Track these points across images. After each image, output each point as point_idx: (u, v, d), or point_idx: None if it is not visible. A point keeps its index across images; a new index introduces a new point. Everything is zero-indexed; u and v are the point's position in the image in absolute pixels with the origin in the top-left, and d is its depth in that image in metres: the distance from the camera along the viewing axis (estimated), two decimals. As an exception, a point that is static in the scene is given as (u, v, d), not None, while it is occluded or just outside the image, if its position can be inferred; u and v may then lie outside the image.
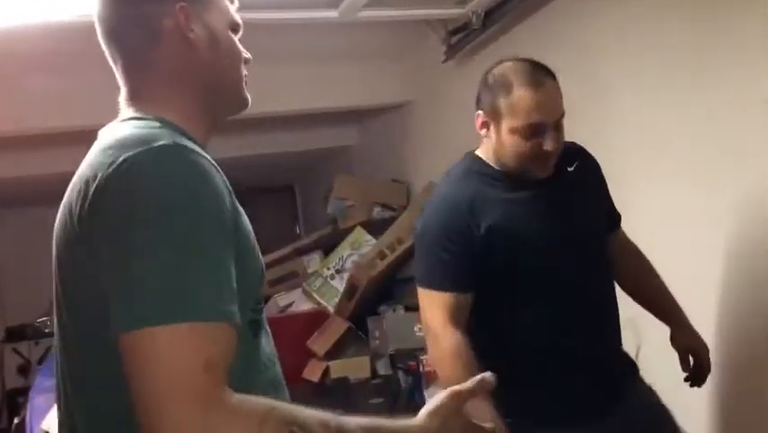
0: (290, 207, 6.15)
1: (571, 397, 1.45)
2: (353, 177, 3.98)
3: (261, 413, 0.73)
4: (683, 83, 1.83)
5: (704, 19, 1.75)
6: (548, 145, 1.40)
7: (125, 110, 0.94)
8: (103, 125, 0.93)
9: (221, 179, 0.82)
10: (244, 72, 1.01)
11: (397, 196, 3.59)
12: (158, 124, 0.87)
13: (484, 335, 1.46)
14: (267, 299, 3.12)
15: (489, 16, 2.49)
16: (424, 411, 0.85)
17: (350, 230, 3.32)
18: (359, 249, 3.23)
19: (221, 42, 0.96)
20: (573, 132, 2.25)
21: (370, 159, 4.25)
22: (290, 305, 3.32)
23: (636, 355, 1.96)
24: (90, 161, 0.84)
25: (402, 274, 2.96)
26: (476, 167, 1.51)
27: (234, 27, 1.00)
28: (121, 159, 0.78)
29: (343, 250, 3.27)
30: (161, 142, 0.80)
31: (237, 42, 1.00)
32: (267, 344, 0.95)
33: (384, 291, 3.05)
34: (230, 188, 0.84)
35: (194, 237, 0.75)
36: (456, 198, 1.46)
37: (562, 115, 1.44)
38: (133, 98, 0.94)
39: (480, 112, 1.47)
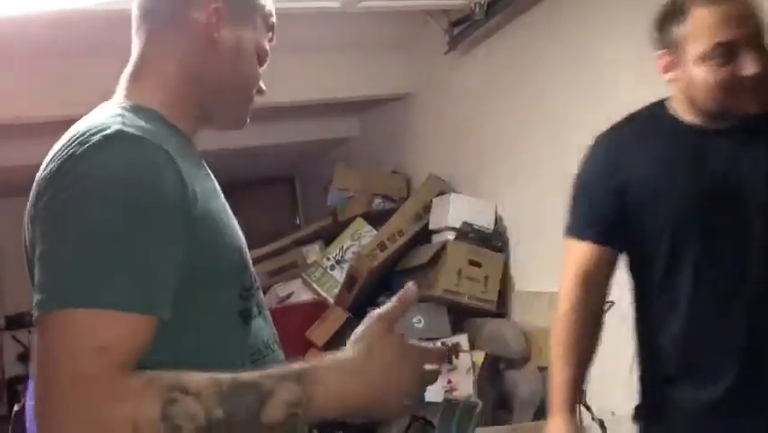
0: (290, 198, 6.14)
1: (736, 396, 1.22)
2: (354, 168, 3.97)
3: (139, 389, 0.71)
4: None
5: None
6: (748, 68, 1.15)
7: (116, 93, 0.94)
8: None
9: (170, 167, 0.80)
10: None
11: (398, 187, 3.58)
12: (119, 112, 0.85)
13: (640, 319, 1.35)
14: (266, 290, 3.12)
15: (491, 7, 2.48)
16: (348, 341, 0.82)
17: (350, 221, 3.32)
18: (359, 240, 3.23)
19: (243, 58, 0.95)
20: (574, 128, 2.25)
21: (370, 150, 4.24)
22: (290, 295, 3.32)
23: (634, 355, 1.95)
24: (49, 154, 0.84)
25: (402, 266, 2.96)
26: (653, 110, 1.33)
27: (261, 55, 0.98)
28: (64, 152, 0.79)
29: (343, 241, 3.27)
30: (104, 132, 0.79)
31: (258, 69, 0.98)
32: (263, 330, 0.94)
33: (384, 282, 3.05)
34: (184, 177, 0.81)
35: (113, 225, 0.74)
36: (606, 141, 1.34)
37: (760, 33, 1.18)
38: (130, 79, 0.94)
39: (660, 52, 1.26)
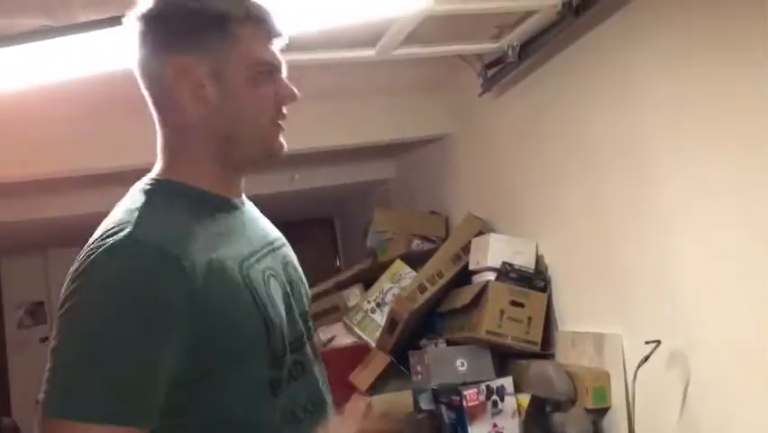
0: (331, 239, 6.20)
1: None
2: (392, 210, 4.00)
3: None
4: (729, 121, 1.77)
5: (753, 55, 1.71)
6: None
7: (155, 166, 1.00)
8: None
9: (164, 270, 0.83)
10: (278, 116, 0.97)
11: (436, 227, 3.59)
12: (138, 205, 0.90)
13: None
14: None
15: (524, 49, 2.50)
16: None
17: (389, 263, 3.33)
18: (399, 282, 3.24)
19: (232, 94, 0.94)
20: (610, 166, 2.24)
21: (407, 190, 4.27)
22: (332, 339, 3.33)
23: (685, 392, 1.91)
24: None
25: (443, 307, 2.95)
26: None
27: (262, 69, 0.95)
28: (80, 260, 0.87)
29: (384, 283, 3.28)
30: (105, 246, 0.85)
31: (262, 88, 0.96)
32: (302, 392, 0.96)
33: (425, 324, 3.04)
34: (187, 270, 0.84)
35: (96, 341, 0.81)
36: None
37: None
38: (160, 155, 1.00)
39: None
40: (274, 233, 1.09)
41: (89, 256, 0.85)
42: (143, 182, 0.97)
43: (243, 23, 0.94)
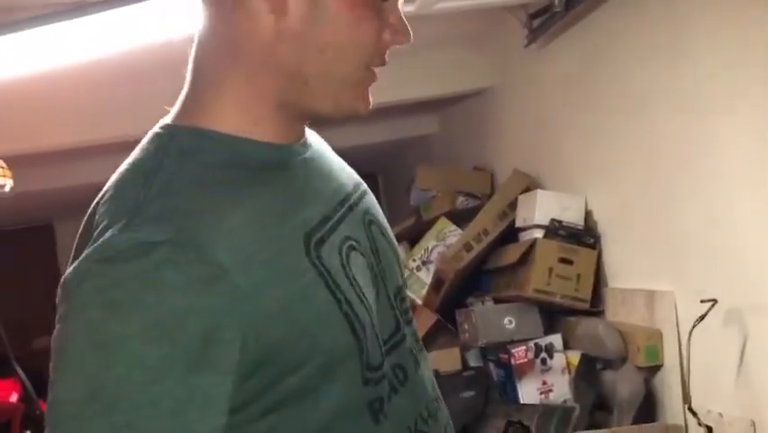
0: (375, 196, 6.21)
1: None
2: (436, 167, 3.95)
3: None
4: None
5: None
6: None
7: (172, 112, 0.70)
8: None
9: (184, 275, 0.57)
10: (376, 62, 0.70)
11: (481, 184, 3.53)
12: (149, 169, 0.64)
13: None
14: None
15: (571, -2, 2.40)
16: None
17: (434, 221, 3.30)
18: (444, 240, 3.21)
19: (326, 15, 0.64)
20: (663, 118, 2.15)
21: (451, 146, 4.21)
22: (378, 297, 3.35)
23: (742, 354, 1.87)
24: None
25: (490, 265, 2.92)
26: None
27: None
28: (78, 249, 0.62)
29: (428, 241, 3.26)
30: (101, 242, 0.59)
31: (365, 18, 0.66)
32: (411, 406, 0.72)
33: (471, 282, 3.02)
34: (220, 268, 0.59)
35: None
36: None
37: None
38: (187, 84, 0.69)
39: None
40: (350, 180, 0.80)
41: (76, 265, 0.59)
42: (155, 132, 0.68)
43: None
